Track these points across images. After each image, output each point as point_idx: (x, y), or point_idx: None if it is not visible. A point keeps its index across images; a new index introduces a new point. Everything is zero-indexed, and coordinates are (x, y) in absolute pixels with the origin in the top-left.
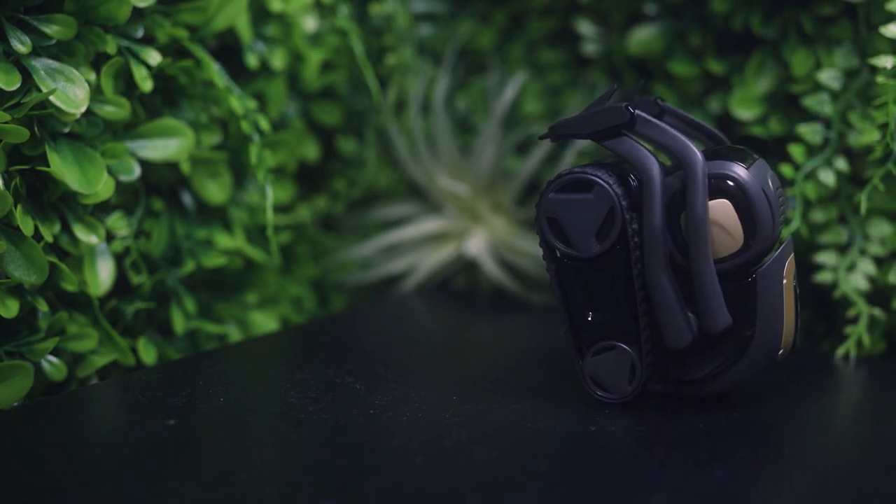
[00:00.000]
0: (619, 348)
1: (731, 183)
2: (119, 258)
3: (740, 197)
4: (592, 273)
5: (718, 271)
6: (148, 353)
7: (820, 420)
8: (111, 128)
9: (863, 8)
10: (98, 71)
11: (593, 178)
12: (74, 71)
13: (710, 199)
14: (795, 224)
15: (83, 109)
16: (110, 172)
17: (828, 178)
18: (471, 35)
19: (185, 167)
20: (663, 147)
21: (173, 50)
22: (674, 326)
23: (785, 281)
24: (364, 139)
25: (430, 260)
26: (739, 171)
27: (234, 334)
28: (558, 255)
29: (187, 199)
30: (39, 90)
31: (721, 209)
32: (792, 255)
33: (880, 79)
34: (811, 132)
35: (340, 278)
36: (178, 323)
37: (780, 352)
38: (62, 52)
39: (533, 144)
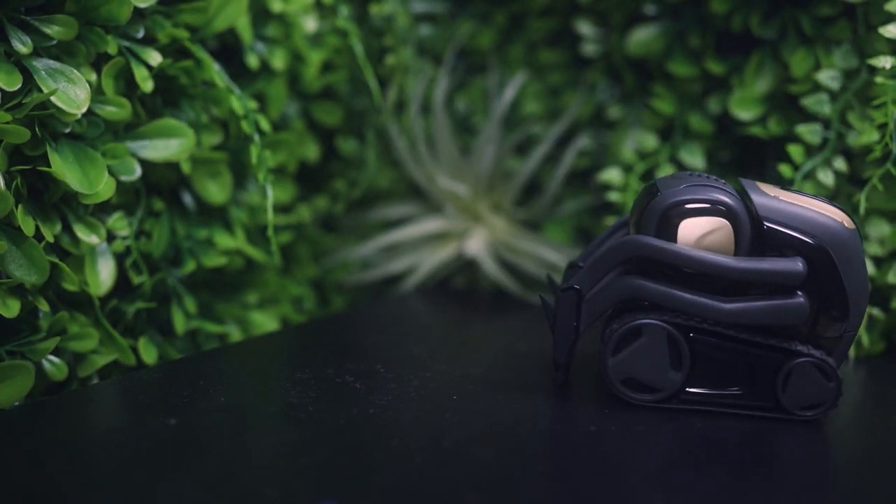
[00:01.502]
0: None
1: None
2: (120, 258)
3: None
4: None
5: None
6: (148, 353)
7: (820, 420)
8: (112, 128)
9: (862, 8)
10: (99, 71)
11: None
12: (75, 71)
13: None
14: None
15: (84, 110)
16: (111, 173)
17: (827, 178)
18: (471, 35)
19: (186, 167)
20: None
21: (174, 50)
22: None
23: None
24: (364, 139)
25: (430, 260)
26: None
27: (235, 334)
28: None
29: (188, 199)
30: (40, 90)
31: None
32: None
33: (879, 79)
34: (810, 132)
35: (340, 278)
36: (179, 323)
37: None
38: (63, 52)
39: (533, 144)
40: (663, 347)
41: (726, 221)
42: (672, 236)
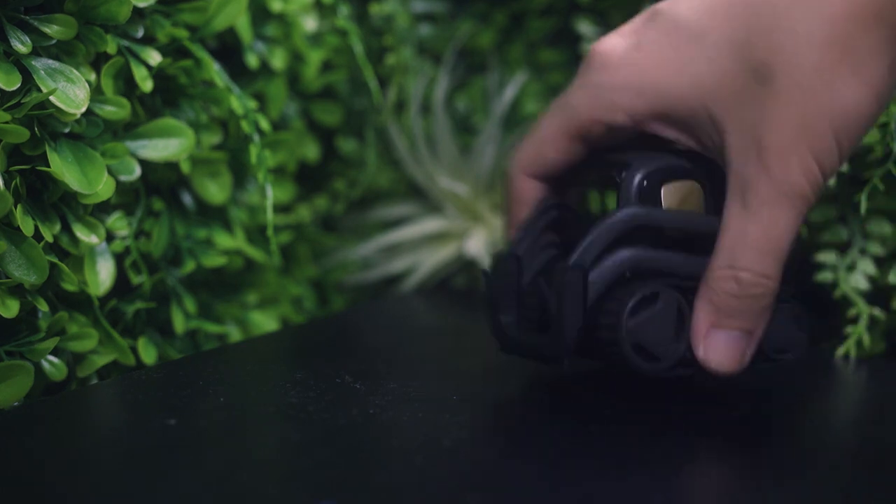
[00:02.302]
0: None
1: None
2: (119, 258)
3: None
4: None
5: None
6: (148, 353)
7: (820, 420)
8: (111, 128)
9: None
10: (98, 71)
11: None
12: (74, 71)
13: None
14: None
15: (83, 109)
16: (110, 172)
17: None
18: (471, 35)
19: (185, 167)
20: None
21: (173, 50)
22: None
23: None
24: (364, 139)
25: (431, 260)
26: None
27: (235, 334)
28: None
29: (187, 199)
30: (40, 90)
31: None
32: None
33: None
34: None
35: (340, 278)
36: (179, 323)
37: None
38: (62, 52)
39: None
40: (672, 315)
41: (696, 182)
42: (657, 202)
